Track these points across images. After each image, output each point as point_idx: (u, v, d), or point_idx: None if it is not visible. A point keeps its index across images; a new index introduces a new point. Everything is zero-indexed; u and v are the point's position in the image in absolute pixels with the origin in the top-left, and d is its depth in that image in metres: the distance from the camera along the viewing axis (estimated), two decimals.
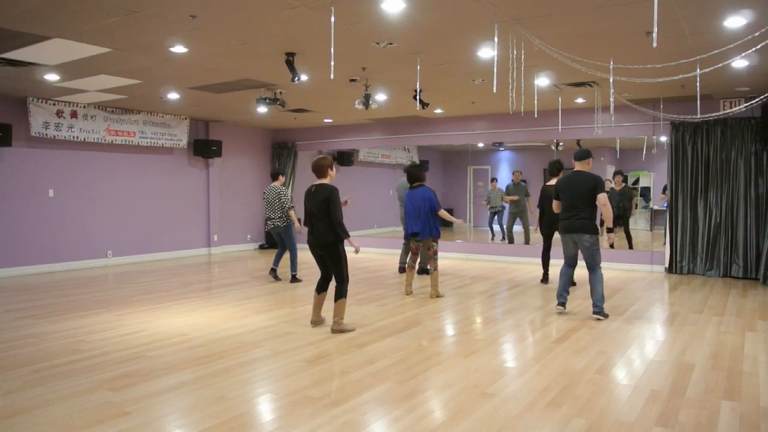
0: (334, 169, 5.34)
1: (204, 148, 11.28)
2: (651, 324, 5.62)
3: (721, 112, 7.99)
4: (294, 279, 8.20)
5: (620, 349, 4.72)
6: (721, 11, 4.57)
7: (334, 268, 5.23)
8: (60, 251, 9.33)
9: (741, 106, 7.72)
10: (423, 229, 6.77)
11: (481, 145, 11.84)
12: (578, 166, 5.95)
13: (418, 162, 6.84)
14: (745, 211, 8.38)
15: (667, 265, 8.95)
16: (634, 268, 9.22)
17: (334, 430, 3.16)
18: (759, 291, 7.44)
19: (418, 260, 7.91)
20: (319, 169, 5.25)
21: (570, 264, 5.97)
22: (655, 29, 4.25)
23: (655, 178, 11.48)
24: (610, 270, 9.21)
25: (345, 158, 13.54)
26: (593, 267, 5.70)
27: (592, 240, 5.66)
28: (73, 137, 9.22)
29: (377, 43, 5.63)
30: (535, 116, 8.40)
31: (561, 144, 11.39)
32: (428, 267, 6.93)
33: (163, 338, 5.09)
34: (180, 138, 10.86)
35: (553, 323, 5.63)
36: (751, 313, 6.07)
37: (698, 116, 7.56)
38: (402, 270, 8.76)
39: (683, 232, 8.82)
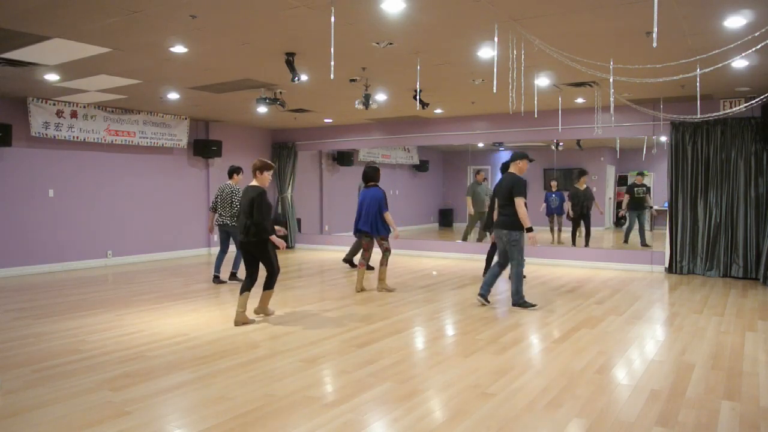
0: (264, 172, 5.72)
1: (204, 148, 11.28)
2: (651, 324, 5.62)
3: (721, 112, 7.99)
4: (234, 276, 8.06)
5: (620, 349, 4.72)
6: (721, 11, 4.57)
7: (263, 262, 5.60)
8: (60, 251, 9.33)
9: (741, 106, 7.72)
10: (372, 228, 7.07)
11: (481, 145, 11.84)
12: (511, 168, 6.34)
13: (374, 166, 7.54)
14: (745, 211, 8.38)
15: (667, 265, 8.95)
16: (634, 268, 9.22)
17: (334, 430, 3.16)
18: (759, 291, 7.44)
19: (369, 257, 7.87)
20: (252, 171, 5.80)
21: (501, 264, 6.32)
22: (655, 29, 4.25)
23: (655, 178, 11.48)
24: (609, 270, 9.21)
25: (345, 158, 13.54)
26: (509, 263, 6.20)
27: (510, 236, 6.07)
28: (73, 137, 9.22)
29: (377, 43, 5.63)
30: (535, 116, 8.40)
31: (561, 144, 11.40)
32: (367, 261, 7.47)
33: (163, 338, 5.09)
34: (180, 138, 10.86)
35: (553, 323, 5.63)
36: (751, 313, 6.07)
37: (698, 116, 7.56)
38: (350, 263, 9.33)
39: (683, 232, 8.82)
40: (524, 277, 6.76)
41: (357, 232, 7.24)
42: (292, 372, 4.15)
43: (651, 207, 10.85)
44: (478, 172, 11.30)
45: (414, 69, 6.59)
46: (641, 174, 10.70)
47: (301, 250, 12.59)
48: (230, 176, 7.89)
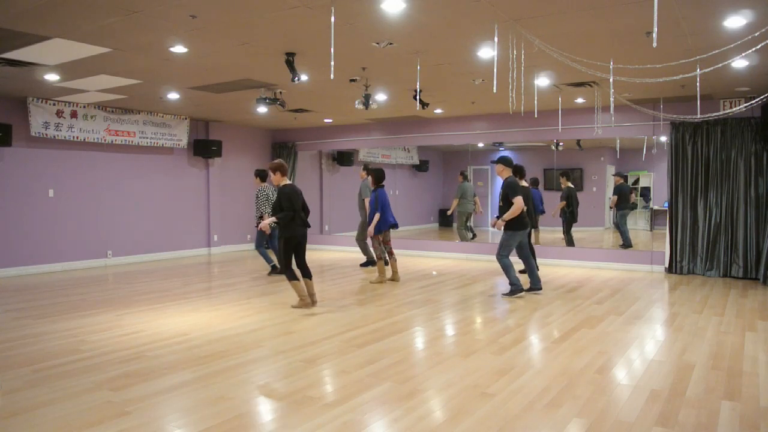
0: (277, 173, 6.42)
1: (204, 148, 11.28)
2: (651, 324, 5.62)
3: (721, 112, 7.99)
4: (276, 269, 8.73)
5: (620, 349, 4.72)
6: (721, 11, 4.57)
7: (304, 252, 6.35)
8: (60, 251, 9.33)
9: (741, 106, 7.71)
10: (395, 222, 8.02)
11: (481, 145, 11.84)
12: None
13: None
14: (745, 211, 8.38)
15: (667, 265, 8.95)
16: (634, 268, 9.22)
17: (334, 430, 3.16)
18: (759, 291, 7.44)
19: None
20: (273, 171, 6.41)
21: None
22: (655, 29, 4.25)
23: (655, 178, 11.48)
24: (609, 270, 9.21)
25: (345, 158, 13.54)
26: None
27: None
28: (73, 137, 9.22)
29: (377, 43, 5.63)
30: (535, 116, 8.40)
31: (561, 144, 11.40)
32: (385, 257, 8.14)
33: (163, 338, 5.09)
34: (180, 138, 10.87)
35: (553, 323, 5.63)
36: (751, 313, 6.07)
37: (698, 116, 7.56)
38: (372, 263, 9.50)
39: (683, 232, 8.82)
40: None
41: (392, 225, 8.00)
42: (292, 372, 4.16)
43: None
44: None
45: (414, 69, 6.59)
46: (621, 174, 10.77)
47: None
48: (265, 179, 8.49)
